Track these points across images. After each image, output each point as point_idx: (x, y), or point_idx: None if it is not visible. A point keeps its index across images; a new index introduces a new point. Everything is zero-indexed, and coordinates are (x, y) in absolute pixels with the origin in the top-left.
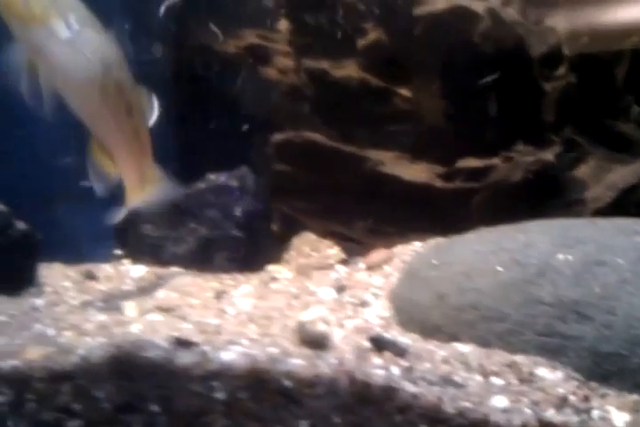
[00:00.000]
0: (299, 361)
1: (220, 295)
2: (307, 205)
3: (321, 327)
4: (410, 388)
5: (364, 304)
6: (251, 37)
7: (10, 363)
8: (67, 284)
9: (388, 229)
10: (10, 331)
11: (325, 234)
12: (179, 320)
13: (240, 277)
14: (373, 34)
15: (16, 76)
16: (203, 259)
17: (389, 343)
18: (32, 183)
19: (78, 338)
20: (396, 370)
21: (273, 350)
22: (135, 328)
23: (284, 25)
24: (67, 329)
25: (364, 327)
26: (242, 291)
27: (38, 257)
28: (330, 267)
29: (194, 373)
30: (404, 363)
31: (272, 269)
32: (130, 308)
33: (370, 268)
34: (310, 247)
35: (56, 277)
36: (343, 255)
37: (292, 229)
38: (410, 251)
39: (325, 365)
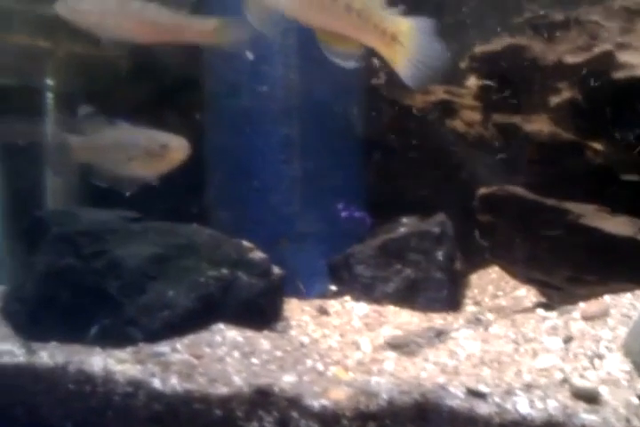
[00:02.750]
0: (590, 416)
1: (439, 335)
2: (508, 252)
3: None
4: None
5: (598, 357)
6: (439, 93)
7: (320, 402)
8: (305, 318)
9: (588, 278)
10: (290, 366)
11: (525, 280)
12: (415, 358)
13: (447, 316)
14: (568, 93)
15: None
16: (408, 298)
17: None
18: (264, 227)
19: (344, 374)
20: None
21: (554, 403)
22: (388, 366)
23: (472, 81)
24: (332, 364)
25: (611, 380)
26: (463, 333)
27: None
28: (530, 311)
29: (493, 422)
30: None
31: (472, 309)
32: (365, 343)
33: (587, 318)
34: (494, 287)
35: (295, 311)
36: (535, 299)
37: (469, 266)
38: (625, 304)
39: (614, 421)
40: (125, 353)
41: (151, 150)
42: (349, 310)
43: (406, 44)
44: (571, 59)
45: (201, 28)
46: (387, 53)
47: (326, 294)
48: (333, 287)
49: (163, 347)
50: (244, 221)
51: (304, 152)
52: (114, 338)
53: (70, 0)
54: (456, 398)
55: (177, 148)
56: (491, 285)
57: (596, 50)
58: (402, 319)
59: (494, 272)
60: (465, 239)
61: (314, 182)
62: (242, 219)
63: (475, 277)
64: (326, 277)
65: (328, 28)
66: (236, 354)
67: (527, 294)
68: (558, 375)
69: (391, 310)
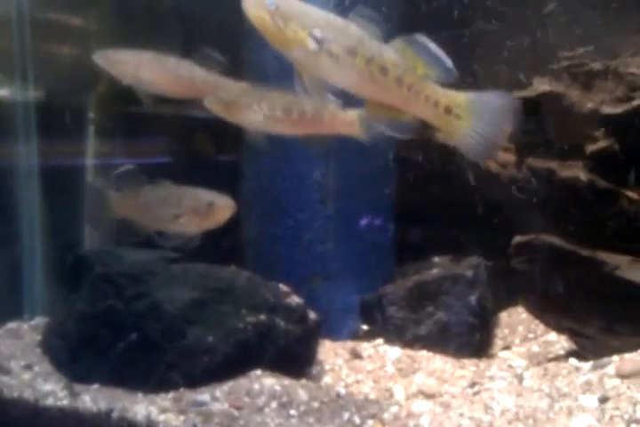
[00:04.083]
0: None
1: (473, 385)
2: (541, 301)
3: None
4: None
5: (636, 422)
6: None
7: None
8: (339, 362)
9: (621, 329)
10: (328, 419)
11: (557, 328)
12: (450, 412)
13: (479, 362)
14: (604, 141)
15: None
16: (440, 342)
17: None
18: (297, 266)
19: None
20: None
21: None
22: (424, 421)
23: None
24: (368, 417)
25: None
26: (496, 384)
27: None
28: (563, 360)
29: None
30: None
31: (503, 355)
32: (398, 391)
33: (622, 376)
34: (524, 328)
35: (328, 354)
36: (567, 344)
37: (498, 305)
38: None
39: None
40: (167, 401)
41: (198, 209)
42: (382, 355)
43: (464, 117)
44: (608, 109)
45: (231, 90)
46: (441, 125)
47: (359, 334)
48: (365, 327)
49: (203, 395)
50: (278, 259)
51: (339, 192)
52: (154, 382)
53: (109, 51)
54: None
55: (223, 206)
56: (521, 325)
57: (635, 102)
58: (434, 365)
59: (524, 312)
60: (495, 277)
61: (347, 222)
62: (275, 256)
63: (504, 315)
64: (357, 316)
65: (379, 101)
66: (274, 404)
67: (558, 339)
68: None
69: (424, 355)
